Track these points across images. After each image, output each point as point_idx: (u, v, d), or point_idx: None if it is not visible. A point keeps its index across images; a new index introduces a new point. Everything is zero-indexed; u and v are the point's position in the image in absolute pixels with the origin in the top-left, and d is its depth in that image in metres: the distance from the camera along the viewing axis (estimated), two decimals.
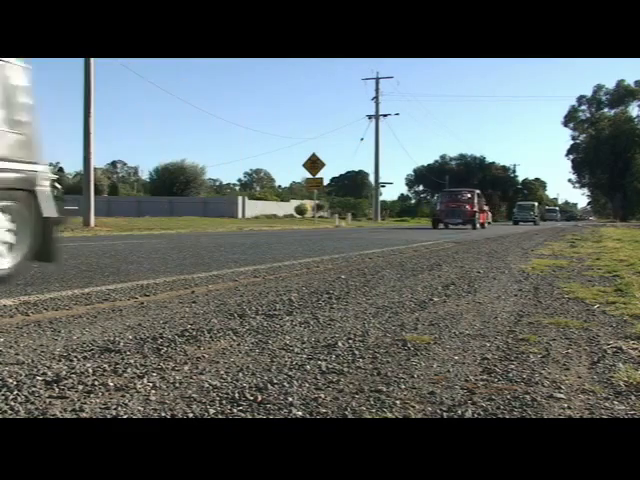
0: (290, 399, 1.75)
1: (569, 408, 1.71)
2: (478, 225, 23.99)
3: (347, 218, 34.06)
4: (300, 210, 46.65)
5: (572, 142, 75.23)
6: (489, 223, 28.71)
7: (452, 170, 78.33)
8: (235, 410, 1.65)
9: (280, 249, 8.72)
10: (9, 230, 3.93)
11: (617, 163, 68.71)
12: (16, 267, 3.98)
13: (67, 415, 1.59)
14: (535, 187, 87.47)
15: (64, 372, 1.97)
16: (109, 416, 1.58)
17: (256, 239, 12.16)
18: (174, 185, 46.54)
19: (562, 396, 1.81)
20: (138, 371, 2.01)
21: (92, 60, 16.77)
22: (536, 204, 49.32)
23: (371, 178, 55.08)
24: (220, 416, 1.61)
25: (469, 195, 25.61)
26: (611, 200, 77.83)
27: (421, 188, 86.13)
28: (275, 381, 1.92)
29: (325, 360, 2.21)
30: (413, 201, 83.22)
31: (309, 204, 46.44)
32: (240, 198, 43.20)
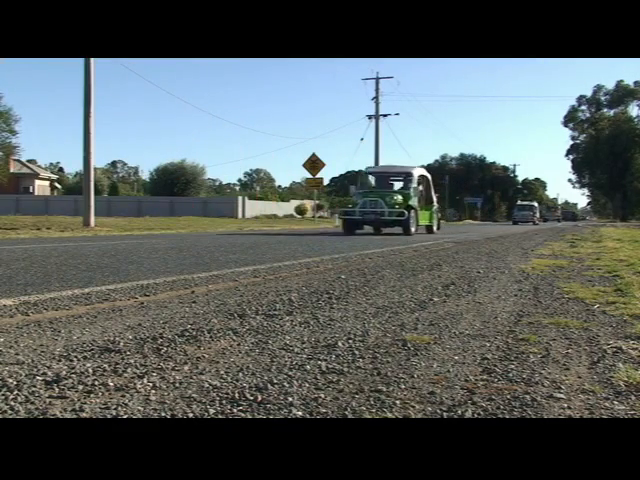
0: (290, 399, 1.74)
1: (569, 408, 1.71)
2: None
3: None
4: (300, 210, 46.65)
5: (572, 142, 75.35)
6: None
7: (452, 170, 78.39)
8: (235, 410, 1.65)
9: (280, 249, 8.72)
10: None
11: (617, 163, 68.73)
12: None
13: (67, 415, 1.59)
14: (535, 187, 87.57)
15: (64, 372, 1.97)
16: (109, 416, 1.58)
17: (256, 239, 12.16)
18: (174, 185, 46.54)
19: (562, 396, 1.81)
20: (138, 371, 2.01)
21: (92, 60, 16.79)
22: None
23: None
24: (220, 416, 1.61)
25: None
26: (611, 200, 77.83)
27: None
28: (275, 381, 1.92)
29: (325, 360, 2.21)
30: None
31: (309, 204, 46.44)
32: (240, 198, 43.23)
